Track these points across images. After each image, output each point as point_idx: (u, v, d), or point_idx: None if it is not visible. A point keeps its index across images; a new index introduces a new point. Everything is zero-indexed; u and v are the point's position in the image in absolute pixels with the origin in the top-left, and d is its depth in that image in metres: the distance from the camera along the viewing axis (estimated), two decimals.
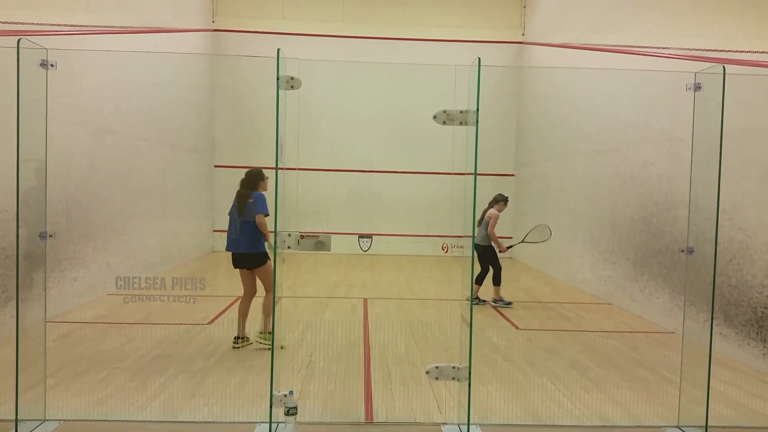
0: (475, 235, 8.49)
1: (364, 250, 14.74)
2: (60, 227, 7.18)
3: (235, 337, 5.86)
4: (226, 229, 5.93)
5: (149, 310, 7.01)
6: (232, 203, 5.96)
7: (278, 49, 3.65)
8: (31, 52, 3.73)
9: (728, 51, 7.81)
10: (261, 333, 5.90)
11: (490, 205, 8.65)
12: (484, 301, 8.42)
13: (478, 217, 8.44)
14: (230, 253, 5.90)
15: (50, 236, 3.93)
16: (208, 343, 6.00)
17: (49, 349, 4.07)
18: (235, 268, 5.99)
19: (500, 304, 8.38)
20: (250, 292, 5.97)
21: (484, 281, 8.44)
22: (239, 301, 6.02)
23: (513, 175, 15.25)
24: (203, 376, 4.99)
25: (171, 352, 5.71)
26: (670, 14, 8.35)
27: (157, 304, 6.15)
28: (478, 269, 8.39)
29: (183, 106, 12.48)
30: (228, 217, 5.94)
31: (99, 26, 8.36)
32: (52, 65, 3.82)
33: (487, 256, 8.43)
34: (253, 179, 5.92)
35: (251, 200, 5.75)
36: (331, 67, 14.64)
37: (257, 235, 5.75)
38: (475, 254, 8.40)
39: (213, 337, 6.29)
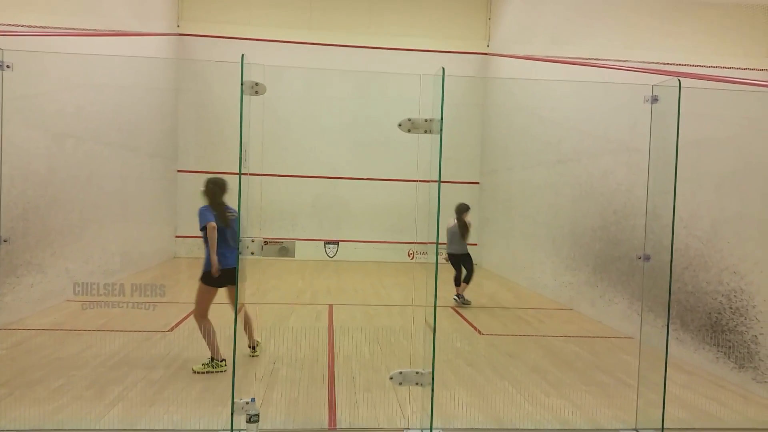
0: (450, 244, 8.88)
1: (331, 256, 14.71)
2: (16, 232, 6.98)
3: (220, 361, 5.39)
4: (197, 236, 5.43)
5: (108, 317, 6.86)
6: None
7: (242, 55, 3.64)
8: None
9: (684, 65, 8.08)
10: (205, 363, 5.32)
11: (460, 213, 8.88)
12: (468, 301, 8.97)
13: (443, 225, 8.56)
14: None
15: (5, 241, 3.84)
16: (169, 351, 5.90)
17: (2, 357, 3.96)
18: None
19: (461, 301, 8.93)
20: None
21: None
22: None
23: (478, 183, 15.42)
24: (163, 384, 4.90)
25: (130, 359, 5.60)
26: (629, 28, 8.61)
27: (117, 311, 6.04)
28: (451, 273, 9.04)
29: (146, 109, 12.29)
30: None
31: (60, 28, 8.19)
32: (8, 66, 3.74)
33: (466, 261, 9.00)
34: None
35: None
36: (297, 74, 14.63)
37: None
38: (448, 260, 9.03)
39: (174, 344, 6.19)
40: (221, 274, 5.21)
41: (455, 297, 9.04)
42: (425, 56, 14.85)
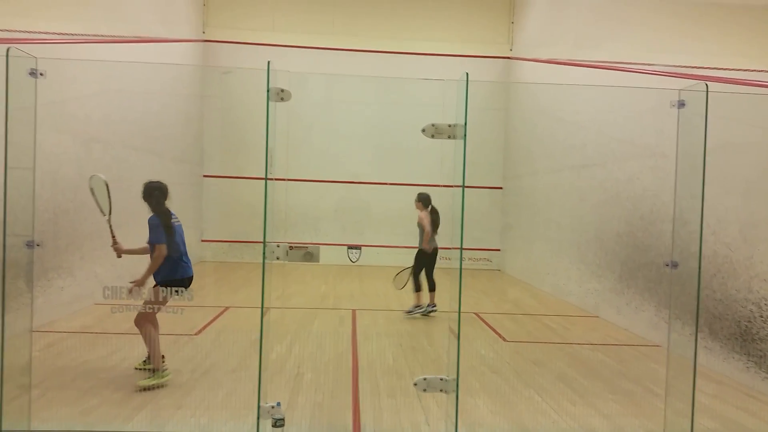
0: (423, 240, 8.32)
1: (353, 261, 14.74)
2: (47, 236, 7.14)
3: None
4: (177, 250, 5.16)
5: None
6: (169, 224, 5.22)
7: (269, 62, 3.68)
8: (20, 60, 3.73)
9: (711, 68, 7.96)
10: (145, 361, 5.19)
11: (427, 206, 8.41)
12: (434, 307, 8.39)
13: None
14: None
15: (37, 245, 3.92)
16: (195, 354, 5.97)
17: (35, 359, 4.04)
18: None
19: (419, 311, 8.34)
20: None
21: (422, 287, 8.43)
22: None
23: (501, 188, 15.35)
24: (190, 387, 4.96)
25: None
26: (654, 31, 8.51)
27: None
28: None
29: (172, 115, 12.47)
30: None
31: (89, 35, 8.36)
32: (41, 74, 3.83)
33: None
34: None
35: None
36: (320, 80, 14.72)
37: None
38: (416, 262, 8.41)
39: (200, 347, 6.26)
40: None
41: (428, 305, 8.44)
42: (448, 61, 14.84)
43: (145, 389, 4.82)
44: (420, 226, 8.32)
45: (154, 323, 5.08)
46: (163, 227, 5.01)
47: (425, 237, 8.22)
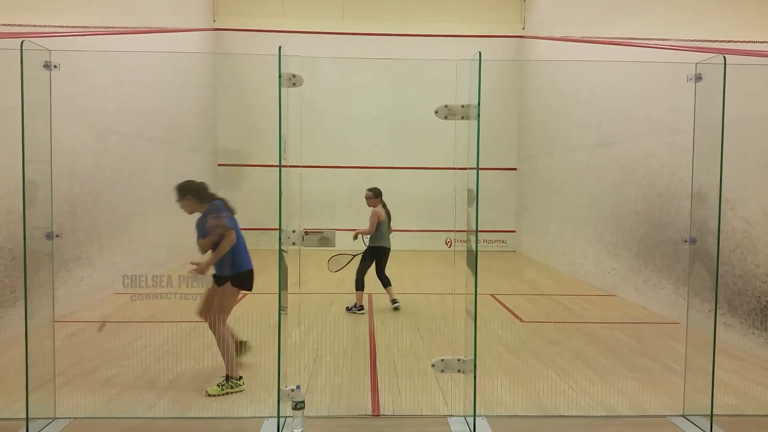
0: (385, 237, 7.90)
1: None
2: (66, 227, 7.23)
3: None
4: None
5: (156, 308, 7.05)
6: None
7: (279, 47, 3.67)
8: (34, 53, 3.76)
9: (729, 41, 7.80)
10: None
11: (379, 199, 7.99)
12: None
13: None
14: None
15: (57, 236, 3.97)
16: (214, 341, 6.03)
17: (58, 348, 4.11)
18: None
19: (359, 312, 7.62)
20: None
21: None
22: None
23: (516, 168, 15.26)
24: (211, 373, 5.02)
25: (178, 349, 5.75)
26: (670, 5, 8.34)
27: (164, 302, 6.15)
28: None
29: (185, 105, 12.53)
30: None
31: (101, 27, 8.40)
32: (55, 66, 3.85)
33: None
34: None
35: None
36: (332, 64, 14.67)
37: None
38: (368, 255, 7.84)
39: None
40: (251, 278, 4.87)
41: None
42: (459, 41, 14.71)
43: (213, 396, 4.51)
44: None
45: (226, 324, 4.78)
46: (229, 210, 4.79)
47: (366, 232, 7.76)
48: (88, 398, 4.43)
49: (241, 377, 4.71)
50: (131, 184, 9.27)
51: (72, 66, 7.08)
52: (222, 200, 4.89)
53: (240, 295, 4.92)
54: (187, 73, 12.90)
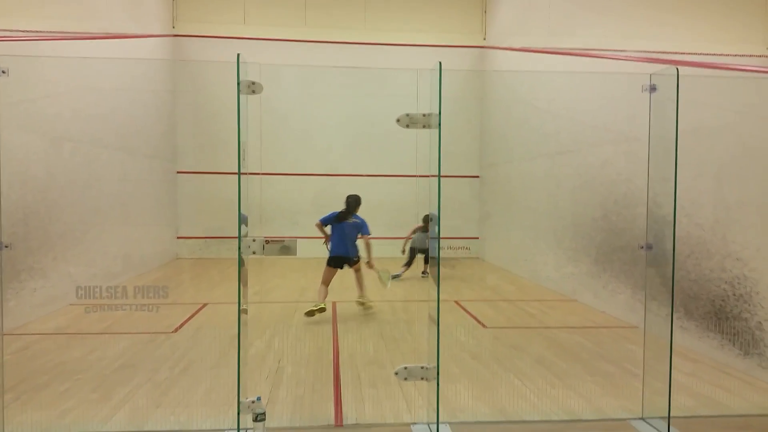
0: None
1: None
2: (17, 237, 6.98)
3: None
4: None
5: (112, 320, 6.87)
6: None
7: (238, 54, 3.63)
8: None
9: (683, 53, 8.06)
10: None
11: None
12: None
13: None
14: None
15: (6, 247, 3.83)
16: (174, 352, 5.90)
17: (7, 362, 3.96)
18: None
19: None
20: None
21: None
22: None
23: (478, 176, 15.41)
24: (169, 385, 4.91)
25: (135, 361, 5.60)
26: (626, 18, 8.59)
27: (120, 314, 6.04)
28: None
29: (143, 111, 12.28)
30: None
31: (56, 32, 8.18)
32: (3, 72, 3.72)
33: None
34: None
35: (357, 221, 7.87)
36: (293, 72, 14.60)
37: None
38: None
39: (178, 345, 6.19)
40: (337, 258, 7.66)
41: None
42: (422, 51, 14.82)
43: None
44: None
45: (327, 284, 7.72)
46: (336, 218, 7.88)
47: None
48: (40, 414, 4.26)
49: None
50: (86, 193, 9.02)
51: (24, 72, 6.86)
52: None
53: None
54: (145, 80, 12.67)
